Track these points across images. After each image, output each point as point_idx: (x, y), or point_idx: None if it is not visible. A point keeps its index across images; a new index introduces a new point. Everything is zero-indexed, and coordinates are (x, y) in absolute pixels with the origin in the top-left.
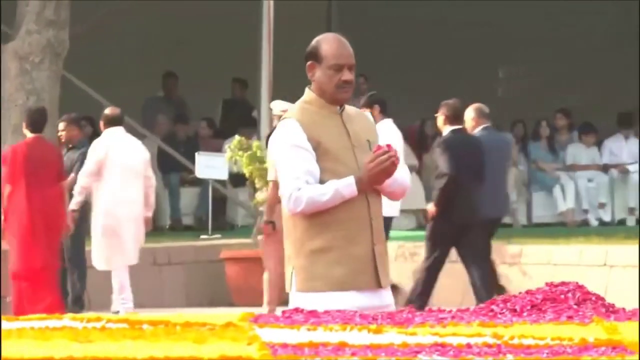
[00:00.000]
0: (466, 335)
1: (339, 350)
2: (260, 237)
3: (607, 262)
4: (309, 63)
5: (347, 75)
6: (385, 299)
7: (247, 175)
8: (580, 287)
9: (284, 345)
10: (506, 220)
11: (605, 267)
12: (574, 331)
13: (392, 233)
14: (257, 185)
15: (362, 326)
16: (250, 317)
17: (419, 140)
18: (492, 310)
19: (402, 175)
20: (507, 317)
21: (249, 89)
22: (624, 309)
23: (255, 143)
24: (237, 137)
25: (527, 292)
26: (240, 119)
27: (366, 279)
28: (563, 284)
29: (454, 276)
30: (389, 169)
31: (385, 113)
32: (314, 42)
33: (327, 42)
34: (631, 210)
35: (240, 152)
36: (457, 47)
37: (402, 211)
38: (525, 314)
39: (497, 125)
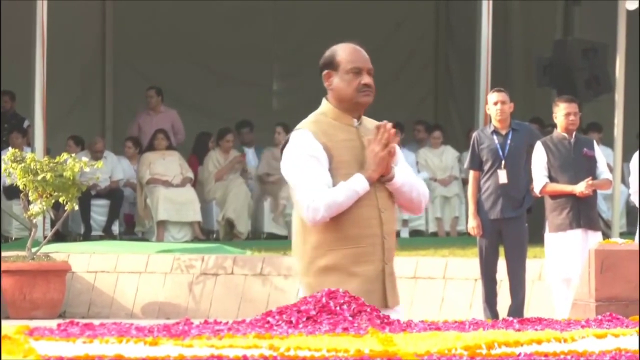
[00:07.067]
0: (242, 347)
1: None
2: (34, 250)
3: None
4: (324, 72)
5: (367, 79)
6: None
7: (21, 187)
8: (356, 298)
9: (60, 359)
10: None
11: None
12: (350, 343)
13: (168, 245)
14: (31, 198)
15: (138, 339)
16: (26, 330)
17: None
18: (268, 322)
19: (421, 184)
20: (283, 329)
21: (18, 98)
22: (398, 320)
23: (29, 155)
24: (10, 149)
25: (302, 303)
26: (10, 130)
27: (374, 299)
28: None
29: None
30: (386, 142)
31: None
32: (328, 52)
33: (342, 49)
34: (404, 222)
35: (14, 164)
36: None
37: (177, 223)
38: (301, 325)
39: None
